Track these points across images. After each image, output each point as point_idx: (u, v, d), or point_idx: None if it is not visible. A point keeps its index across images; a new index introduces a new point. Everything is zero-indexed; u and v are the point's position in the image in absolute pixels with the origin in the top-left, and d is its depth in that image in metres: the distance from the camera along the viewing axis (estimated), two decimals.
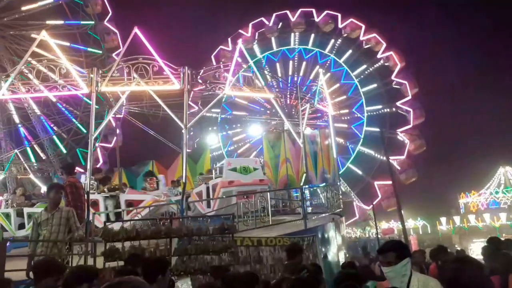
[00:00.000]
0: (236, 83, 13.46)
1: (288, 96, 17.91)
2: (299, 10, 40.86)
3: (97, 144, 27.18)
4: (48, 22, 29.97)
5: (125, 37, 31.26)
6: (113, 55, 30.91)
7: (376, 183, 41.19)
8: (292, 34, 42.40)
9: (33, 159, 27.98)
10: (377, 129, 40.02)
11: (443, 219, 55.26)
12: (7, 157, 22.64)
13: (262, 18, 41.37)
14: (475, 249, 37.31)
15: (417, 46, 79.90)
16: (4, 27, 29.13)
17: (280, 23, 41.47)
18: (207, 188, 13.53)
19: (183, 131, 12.57)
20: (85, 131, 29.49)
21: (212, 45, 42.56)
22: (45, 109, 28.60)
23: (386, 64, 40.42)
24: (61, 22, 31.04)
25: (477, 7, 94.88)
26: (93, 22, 31.47)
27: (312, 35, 42.04)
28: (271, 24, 41.11)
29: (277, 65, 43.21)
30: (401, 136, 40.11)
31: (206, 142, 31.42)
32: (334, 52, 42.11)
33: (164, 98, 12.97)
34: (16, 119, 28.78)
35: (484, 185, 55.14)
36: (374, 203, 37.57)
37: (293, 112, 32.84)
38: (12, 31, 29.16)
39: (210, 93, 13.87)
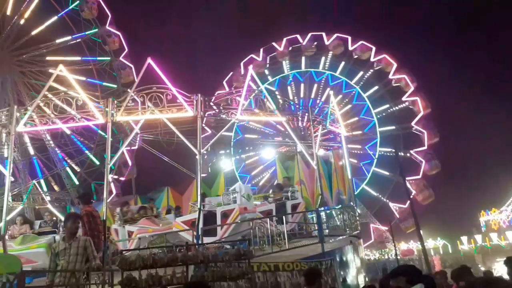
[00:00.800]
0: (248, 108, 13.65)
1: (300, 118, 18.03)
2: (309, 34, 41.42)
3: (110, 176, 27.50)
4: (66, 58, 31.03)
5: (139, 69, 32.16)
6: (128, 89, 31.62)
7: (392, 204, 40.51)
8: (303, 58, 42.85)
9: (46, 190, 28.49)
10: (391, 150, 39.73)
11: (464, 238, 53.77)
12: (25, 188, 23.11)
13: (273, 43, 42.01)
14: (500, 269, 36.00)
15: (429, 66, 79.81)
16: (24, 63, 30.25)
17: (291, 47, 42.03)
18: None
19: (197, 156, 12.70)
20: (98, 163, 29.98)
21: (224, 70, 43.24)
22: (61, 141, 29.18)
23: (397, 85, 40.42)
24: (78, 58, 32.13)
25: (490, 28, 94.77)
26: (109, 58, 32.48)
27: (323, 58, 42.47)
28: (281, 48, 41.70)
29: (289, 88, 43.61)
30: (415, 156, 39.61)
31: (220, 166, 31.52)
32: (345, 73, 42.35)
33: (178, 125, 13.19)
34: (31, 151, 29.42)
35: (504, 202, 53.72)
36: (392, 223, 36.83)
37: (304, 134, 32.87)
38: (31, 67, 30.26)
39: (222, 117, 14.05)
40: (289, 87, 43.58)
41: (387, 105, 41.45)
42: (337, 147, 27.14)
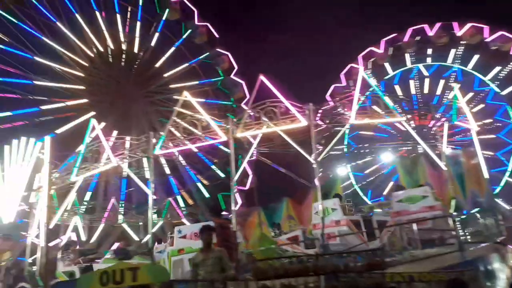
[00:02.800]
0: (362, 110, 13.23)
1: (422, 116, 16.76)
2: (438, 24, 37.56)
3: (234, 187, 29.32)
4: (185, 84, 34.41)
5: (249, 83, 34.06)
6: (242, 104, 33.82)
7: None
8: (430, 50, 39.03)
9: (184, 205, 31.67)
10: None
11: None
12: (162, 205, 25.94)
13: (396, 34, 39.02)
14: None
15: None
16: (152, 94, 34.27)
17: (417, 38, 38.53)
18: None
19: (313, 165, 12.70)
20: (222, 175, 32.33)
21: (341, 63, 41.27)
22: (189, 160, 32.23)
23: None
24: (196, 82, 35.30)
25: None
26: (222, 78, 35.18)
27: (452, 50, 37.95)
28: (406, 39, 38.55)
29: (411, 82, 40.21)
30: None
31: (336, 175, 31.01)
32: (479, 69, 36.59)
33: (293, 136, 13.41)
34: (167, 170, 32.93)
35: None
36: None
37: (426, 132, 30.40)
38: (158, 96, 34.17)
39: (335, 126, 13.87)
40: (411, 82, 40.10)
41: None
42: (466, 144, 24.50)
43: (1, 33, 27.70)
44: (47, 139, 12.10)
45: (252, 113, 12.39)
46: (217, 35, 34.96)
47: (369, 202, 33.92)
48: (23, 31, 28.64)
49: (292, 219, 20.38)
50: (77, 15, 30.97)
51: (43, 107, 28.76)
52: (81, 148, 13.82)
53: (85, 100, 30.75)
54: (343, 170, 34.07)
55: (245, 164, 14.72)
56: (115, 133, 26.17)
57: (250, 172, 28.10)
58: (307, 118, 12.60)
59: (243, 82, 34.82)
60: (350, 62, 39.00)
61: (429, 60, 39.35)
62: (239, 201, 30.55)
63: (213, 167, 33.76)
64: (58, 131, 27.92)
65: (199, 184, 33.59)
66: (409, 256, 10.53)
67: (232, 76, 35.30)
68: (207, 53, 34.91)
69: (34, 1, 28.90)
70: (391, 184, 36.13)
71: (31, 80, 28.43)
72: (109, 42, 32.63)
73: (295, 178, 23.27)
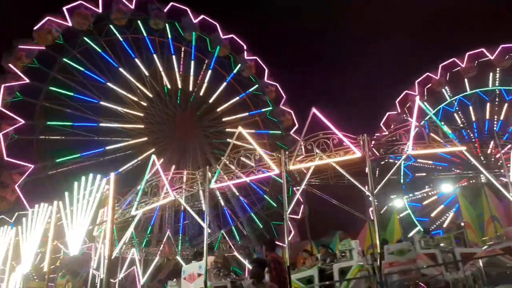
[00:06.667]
0: (419, 141, 12.80)
1: (484, 144, 15.85)
2: (500, 46, 36.12)
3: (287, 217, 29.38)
4: (237, 116, 35.67)
5: (298, 111, 34.63)
6: (291, 133, 34.43)
7: None
8: (491, 74, 37.50)
9: (237, 238, 32.13)
10: None
11: None
12: (215, 238, 26.33)
13: (455, 59, 37.93)
14: None
15: None
16: (206, 128, 35.72)
17: (476, 62, 37.20)
18: None
19: (370, 198, 12.35)
20: (275, 205, 32.68)
21: (395, 91, 40.41)
22: (242, 191, 32.93)
23: None
24: (246, 114, 36.42)
25: None
26: (271, 108, 36.10)
27: None
28: (464, 64, 37.42)
29: (471, 108, 38.54)
30: None
31: (392, 208, 29.80)
32: None
33: (347, 167, 13.21)
34: (222, 202, 33.75)
35: None
36: None
37: (490, 161, 28.65)
38: (212, 129, 35.59)
39: (391, 157, 13.51)
40: (471, 108, 38.46)
41: None
42: None
43: (70, 81, 30.59)
44: (112, 175, 12.88)
45: (303, 145, 12.42)
46: (265, 68, 36.22)
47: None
48: (88, 78, 31.45)
49: None
50: (136, 60, 33.49)
51: (108, 148, 31.10)
52: (141, 183, 14.53)
53: (145, 139, 32.73)
54: (399, 202, 32.69)
55: (298, 195, 14.63)
56: (173, 168, 27.44)
57: (302, 200, 28.12)
58: (361, 149, 12.40)
59: (291, 111, 35.69)
60: (405, 89, 38.29)
61: (490, 84, 37.60)
62: (293, 231, 30.56)
63: (265, 196, 34.30)
64: (122, 169, 29.89)
65: (252, 215, 34.17)
66: None
67: (281, 105, 36.21)
68: (256, 85, 36.13)
69: (98, 49, 31.65)
70: (451, 216, 34.11)
71: (97, 123, 30.90)
72: (166, 82, 34.78)
73: (349, 210, 22.71)
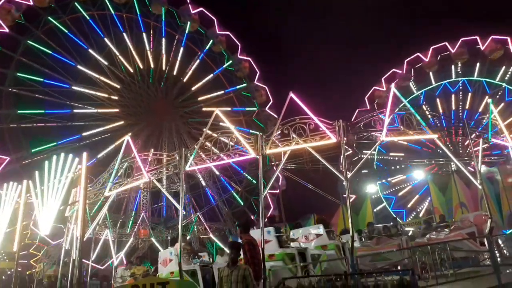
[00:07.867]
0: (393, 127, 13.06)
1: (453, 133, 16.36)
2: (460, 40, 37.33)
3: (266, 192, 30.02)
4: (219, 109, 35.61)
5: (273, 90, 34.74)
6: (266, 109, 34.57)
7: None
8: (453, 66, 38.79)
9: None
10: None
11: None
12: (190, 221, 26.40)
13: (418, 54, 38.94)
14: None
15: None
16: (181, 108, 35.27)
17: (439, 56, 38.40)
18: None
19: (344, 183, 12.57)
20: (254, 181, 33.15)
21: (364, 88, 41.45)
22: (222, 170, 33.16)
23: None
24: (229, 109, 36.13)
25: None
26: (245, 84, 36.14)
27: (478, 65, 37.77)
28: (428, 58, 38.46)
29: (437, 100, 39.83)
30: None
31: (365, 190, 30.51)
32: (507, 80, 36.72)
33: (322, 152, 13.35)
34: (203, 182, 33.80)
35: None
36: None
37: (460, 150, 29.60)
38: (187, 108, 35.23)
39: (366, 141, 13.74)
40: (437, 100, 39.78)
41: None
42: (503, 162, 23.67)
43: (38, 64, 29.22)
44: (84, 155, 12.60)
45: (281, 130, 12.47)
46: (238, 43, 35.72)
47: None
48: (57, 61, 30.20)
49: None
50: (106, 39, 32.32)
51: (84, 134, 30.40)
52: (115, 164, 14.31)
53: (121, 122, 32.06)
54: (372, 187, 33.49)
55: (277, 172, 14.77)
56: (152, 151, 27.15)
57: (280, 176, 28.52)
58: (336, 135, 12.55)
59: (265, 87, 35.68)
60: (375, 85, 39.29)
61: (453, 76, 39.20)
62: (272, 206, 31.17)
63: (245, 174, 34.71)
64: (99, 155, 29.30)
65: (234, 193, 34.68)
66: (442, 278, 10.19)
67: (255, 81, 36.12)
68: (230, 61, 35.70)
69: (64, 29, 30.38)
70: (416, 198, 35.31)
71: (70, 109, 30.00)
72: (138, 61, 33.89)
73: (323, 194, 23.14)
